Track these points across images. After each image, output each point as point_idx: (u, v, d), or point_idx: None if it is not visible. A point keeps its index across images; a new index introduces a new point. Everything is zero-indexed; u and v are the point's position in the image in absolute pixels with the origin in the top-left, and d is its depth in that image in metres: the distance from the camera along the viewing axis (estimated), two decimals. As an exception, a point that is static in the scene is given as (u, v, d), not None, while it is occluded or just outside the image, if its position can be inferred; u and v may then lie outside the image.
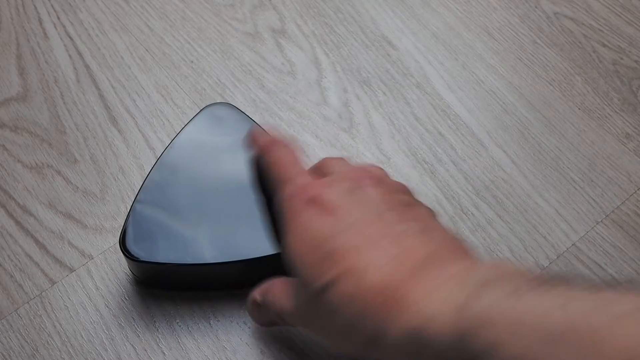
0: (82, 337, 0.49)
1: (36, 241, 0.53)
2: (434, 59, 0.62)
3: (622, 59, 0.61)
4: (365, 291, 0.36)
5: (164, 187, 0.50)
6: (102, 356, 0.48)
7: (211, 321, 0.49)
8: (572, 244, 0.52)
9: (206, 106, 0.55)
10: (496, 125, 0.58)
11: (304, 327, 0.42)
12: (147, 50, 0.63)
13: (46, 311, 0.50)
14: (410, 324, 0.34)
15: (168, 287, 0.50)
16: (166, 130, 0.58)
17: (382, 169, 0.46)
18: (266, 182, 0.47)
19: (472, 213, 0.54)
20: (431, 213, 0.43)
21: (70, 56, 0.62)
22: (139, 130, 0.58)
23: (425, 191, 0.55)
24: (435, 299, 0.35)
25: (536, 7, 0.65)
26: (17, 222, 0.53)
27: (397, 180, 0.45)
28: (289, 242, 0.41)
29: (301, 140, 0.57)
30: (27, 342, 0.49)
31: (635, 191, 0.54)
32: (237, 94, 0.60)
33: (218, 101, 0.59)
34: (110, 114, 0.59)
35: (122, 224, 0.49)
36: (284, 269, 0.50)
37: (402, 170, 0.56)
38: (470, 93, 0.60)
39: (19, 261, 0.52)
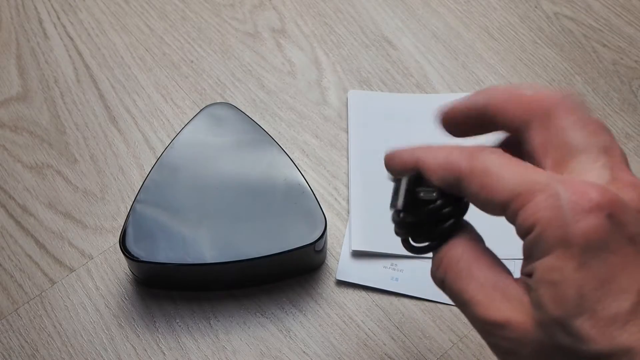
0: (82, 337, 0.49)
1: (36, 241, 0.53)
2: (434, 59, 0.62)
3: (622, 59, 0.61)
4: None
5: (164, 187, 0.50)
6: (102, 356, 0.48)
7: (211, 321, 0.49)
8: (572, 244, 0.52)
9: (206, 106, 0.55)
10: (496, 125, 0.58)
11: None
12: (147, 50, 0.63)
13: (46, 311, 0.50)
14: None
15: (168, 287, 0.50)
16: (166, 130, 0.58)
17: None
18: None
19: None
20: None
21: (70, 56, 0.62)
22: (139, 130, 0.58)
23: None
24: None
25: (536, 7, 0.65)
26: (17, 222, 0.53)
27: None
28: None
29: (301, 140, 0.57)
30: (27, 342, 0.49)
31: (635, 191, 0.54)
32: (237, 94, 0.60)
33: (218, 101, 0.59)
34: (110, 114, 0.59)
35: (122, 224, 0.49)
36: (284, 269, 0.50)
37: (402, 170, 0.56)
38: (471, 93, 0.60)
39: (19, 261, 0.52)
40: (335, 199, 0.54)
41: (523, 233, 0.29)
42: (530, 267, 0.28)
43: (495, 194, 0.29)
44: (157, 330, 0.49)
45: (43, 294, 0.50)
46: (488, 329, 0.30)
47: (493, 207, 0.30)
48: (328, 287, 0.51)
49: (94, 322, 0.49)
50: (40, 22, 0.64)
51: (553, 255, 0.27)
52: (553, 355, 0.28)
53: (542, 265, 0.28)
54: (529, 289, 0.29)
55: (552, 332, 0.27)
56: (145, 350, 0.48)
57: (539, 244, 0.28)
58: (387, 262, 0.51)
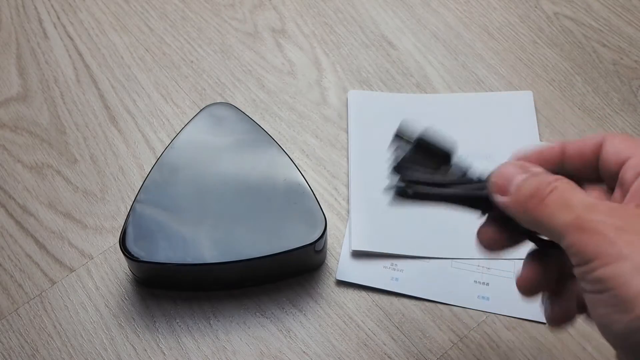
0: (82, 337, 0.49)
1: (36, 241, 0.53)
2: (434, 59, 0.62)
3: (622, 59, 0.61)
4: None
5: (164, 187, 0.50)
6: (102, 356, 0.48)
7: (211, 321, 0.49)
8: (572, 244, 0.52)
9: (206, 106, 0.55)
10: (496, 125, 0.58)
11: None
12: (147, 50, 0.63)
13: (46, 311, 0.50)
14: None
15: (168, 287, 0.50)
16: (166, 130, 0.58)
17: None
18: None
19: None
20: None
21: (70, 56, 0.62)
22: (139, 130, 0.58)
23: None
24: None
25: (536, 7, 0.65)
26: (17, 222, 0.53)
27: None
28: None
29: (301, 140, 0.57)
30: (27, 342, 0.49)
31: (635, 191, 0.54)
32: (237, 94, 0.60)
33: (218, 101, 0.59)
34: (110, 114, 0.59)
35: (122, 224, 0.49)
36: (284, 269, 0.50)
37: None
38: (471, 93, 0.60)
39: (19, 261, 0.52)
40: (335, 199, 0.54)
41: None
42: None
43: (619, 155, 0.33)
44: (157, 330, 0.49)
45: (43, 294, 0.50)
46: None
47: (611, 162, 0.33)
48: (328, 287, 0.51)
49: (94, 322, 0.49)
50: (40, 22, 0.64)
51: None
52: None
53: None
54: None
55: None
56: (145, 350, 0.48)
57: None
58: (387, 262, 0.51)
